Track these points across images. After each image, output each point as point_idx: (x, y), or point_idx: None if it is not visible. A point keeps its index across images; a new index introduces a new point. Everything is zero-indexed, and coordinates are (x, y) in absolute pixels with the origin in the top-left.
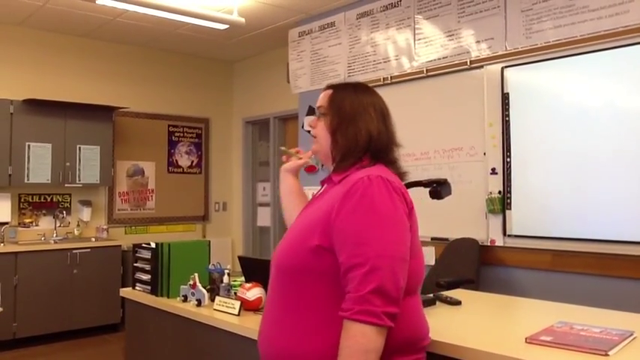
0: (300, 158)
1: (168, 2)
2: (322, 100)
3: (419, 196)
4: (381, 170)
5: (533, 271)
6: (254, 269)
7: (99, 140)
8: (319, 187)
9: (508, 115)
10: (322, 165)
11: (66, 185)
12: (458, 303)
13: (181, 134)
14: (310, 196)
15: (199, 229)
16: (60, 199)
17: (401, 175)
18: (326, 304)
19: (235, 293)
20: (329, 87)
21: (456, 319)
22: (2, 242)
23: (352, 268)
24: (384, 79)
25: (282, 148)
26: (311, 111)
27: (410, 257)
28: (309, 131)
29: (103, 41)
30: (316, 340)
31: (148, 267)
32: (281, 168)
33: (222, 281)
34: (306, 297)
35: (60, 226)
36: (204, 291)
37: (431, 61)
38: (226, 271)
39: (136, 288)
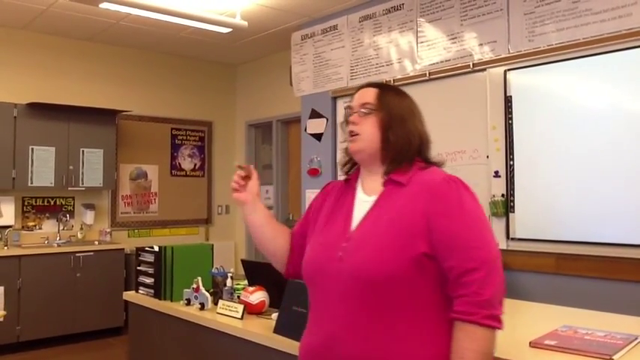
0: (242, 171)
1: (171, 6)
2: (368, 97)
3: None
4: (446, 172)
5: (537, 274)
6: (257, 272)
7: (102, 143)
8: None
9: (511, 118)
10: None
11: (69, 188)
12: None
13: (184, 137)
14: (309, 199)
15: (202, 233)
16: (63, 203)
17: None
18: (434, 309)
19: (238, 297)
20: (371, 85)
21: None
22: (6, 245)
23: (468, 273)
24: (386, 82)
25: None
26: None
27: None
28: (350, 130)
29: (106, 44)
30: (434, 346)
31: (151, 270)
32: (246, 196)
33: (225, 284)
34: (414, 304)
35: (63, 229)
36: (207, 294)
37: (434, 64)
38: (229, 275)
39: (139, 291)
